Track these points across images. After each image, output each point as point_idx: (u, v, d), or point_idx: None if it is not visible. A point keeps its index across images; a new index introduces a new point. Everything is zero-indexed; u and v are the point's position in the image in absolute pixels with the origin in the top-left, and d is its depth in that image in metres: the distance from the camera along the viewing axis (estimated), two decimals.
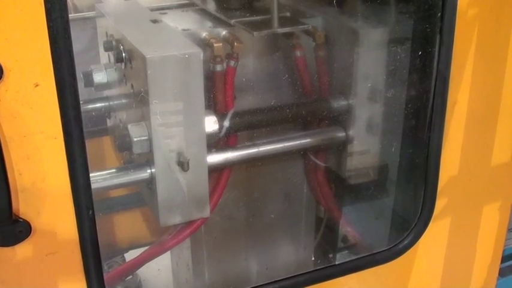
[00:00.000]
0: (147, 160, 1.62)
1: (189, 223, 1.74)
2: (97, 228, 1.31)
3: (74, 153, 1.22)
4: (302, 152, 1.99)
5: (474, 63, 1.63)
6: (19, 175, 1.20)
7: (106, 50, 1.80)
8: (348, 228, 2.18)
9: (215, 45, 1.67)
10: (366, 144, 1.91)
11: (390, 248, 1.79)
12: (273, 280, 1.68)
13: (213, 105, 1.73)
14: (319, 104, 1.90)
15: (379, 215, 2.03)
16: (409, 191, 1.86)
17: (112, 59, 1.79)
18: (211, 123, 1.69)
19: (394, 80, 1.80)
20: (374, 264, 1.78)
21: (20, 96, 1.14)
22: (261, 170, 1.99)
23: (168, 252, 2.17)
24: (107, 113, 2.01)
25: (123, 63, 1.68)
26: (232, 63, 1.70)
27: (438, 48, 1.56)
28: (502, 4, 1.61)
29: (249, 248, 2.12)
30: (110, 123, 2.09)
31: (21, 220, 1.23)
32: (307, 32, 1.83)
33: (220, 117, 1.72)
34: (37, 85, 1.15)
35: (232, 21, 1.77)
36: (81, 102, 1.20)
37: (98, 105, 1.99)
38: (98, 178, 1.61)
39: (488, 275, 2.04)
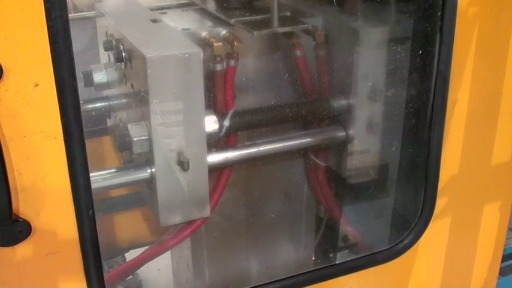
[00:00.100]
0: (147, 160, 1.61)
1: (189, 223, 1.74)
2: (97, 228, 1.31)
3: (74, 153, 1.22)
4: (302, 152, 1.99)
5: (474, 62, 1.63)
6: (19, 175, 1.20)
7: (106, 49, 1.80)
8: (348, 227, 2.18)
9: (215, 44, 1.67)
10: (366, 144, 1.91)
11: (390, 247, 1.79)
12: (273, 280, 1.68)
13: (213, 104, 1.73)
14: (319, 104, 1.90)
15: (380, 214, 2.03)
16: (410, 191, 1.86)
17: (112, 59, 1.78)
18: (211, 123, 1.69)
19: (394, 79, 1.80)
20: (374, 264, 1.78)
21: (19, 96, 1.14)
22: (261, 170, 1.99)
23: (169, 252, 2.17)
24: (106, 112, 2.01)
25: (123, 63, 1.68)
26: (232, 62, 1.70)
27: (438, 47, 1.56)
28: (502, 3, 1.61)
29: (249, 248, 2.12)
30: (110, 122, 2.09)
31: (21, 220, 1.23)
32: (307, 32, 1.83)
33: (220, 117, 1.72)
34: (37, 85, 1.14)
35: (232, 21, 1.77)
36: (81, 102, 1.20)
37: (98, 105, 1.99)
38: (98, 178, 1.61)
39: (489, 274, 2.04)
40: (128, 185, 1.78)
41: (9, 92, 1.13)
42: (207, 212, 1.71)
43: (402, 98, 1.78)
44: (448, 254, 1.91)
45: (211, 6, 1.94)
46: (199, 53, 1.51)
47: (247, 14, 1.82)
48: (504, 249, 2.06)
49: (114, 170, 1.69)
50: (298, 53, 1.83)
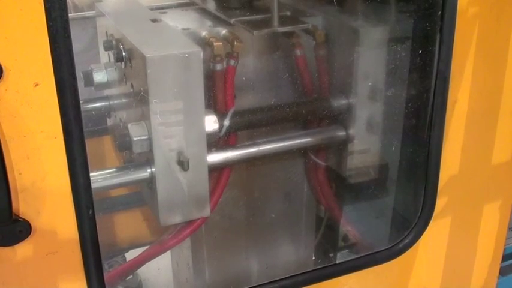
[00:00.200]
0: (147, 159, 1.61)
1: (190, 222, 1.74)
2: (97, 227, 1.31)
3: (74, 153, 1.22)
4: (302, 151, 1.98)
5: (474, 62, 1.63)
6: (19, 175, 1.20)
7: (106, 49, 1.80)
8: (348, 227, 2.18)
9: (215, 44, 1.67)
10: (366, 143, 1.91)
11: (391, 247, 1.79)
12: (273, 279, 1.68)
13: (213, 104, 1.73)
14: (319, 103, 1.90)
15: (380, 214, 2.02)
16: (410, 190, 1.86)
17: (112, 59, 1.78)
18: (211, 123, 1.69)
19: (394, 79, 1.80)
20: (374, 264, 1.78)
21: (19, 95, 1.14)
22: (261, 169, 1.99)
23: (169, 252, 2.17)
24: (107, 112, 2.01)
25: (123, 63, 1.67)
26: (232, 62, 1.70)
27: (438, 47, 1.56)
28: (502, 3, 1.60)
29: (250, 248, 2.12)
30: (110, 122, 2.09)
31: (21, 220, 1.23)
32: (307, 31, 1.83)
33: (221, 117, 1.72)
34: (37, 84, 1.14)
35: (232, 20, 1.77)
36: (81, 101, 1.20)
37: (98, 104, 1.99)
38: (98, 178, 1.61)
39: (489, 274, 2.04)
40: (127, 184, 1.78)
41: (9, 92, 1.13)
42: (207, 212, 1.71)
43: (402, 98, 1.78)
44: (448, 253, 1.91)
45: (211, 5, 1.94)
46: (199, 52, 1.51)
47: (247, 13, 1.82)
48: (504, 249, 2.06)
49: (114, 169, 1.69)
50: (298, 52, 1.83)
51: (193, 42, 1.62)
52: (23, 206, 1.23)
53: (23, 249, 1.27)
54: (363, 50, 1.78)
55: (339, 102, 1.86)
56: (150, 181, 1.63)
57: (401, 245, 1.78)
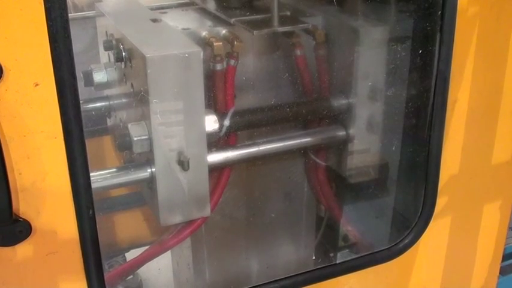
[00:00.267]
0: (148, 159, 1.61)
1: (190, 222, 1.74)
2: (97, 227, 1.31)
3: (74, 153, 1.22)
4: (302, 151, 1.99)
5: (474, 61, 1.63)
6: (19, 175, 1.20)
7: (106, 49, 1.80)
8: (348, 227, 2.18)
9: (215, 44, 1.67)
10: (366, 143, 1.91)
11: (391, 247, 1.79)
12: (274, 279, 1.68)
13: (213, 104, 1.73)
14: (319, 103, 1.90)
15: (380, 214, 2.02)
16: (410, 190, 1.86)
17: (112, 59, 1.78)
18: (211, 122, 1.69)
19: (394, 78, 1.80)
20: (374, 263, 1.78)
21: (19, 95, 1.14)
22: (261, 169, 1.99)
23: (169, 252, 2.17)
24: (107, 112, 2.01)
25: (123, 63, 1.68)
26: (232, 62, 1.70)
27: (438, 46, 1.56)
28: (503, 2, 1.60)
29: (250, 247, 2.12)
30: (110, 122, 2.09)
31: (22, 220, 1.23)
32: (307, 31, 1.83)
33: (221, 116, 1.72)
34: (37, 84, 1.14)
35: (232, 20, 1.77)
36: (81, 101, 1.20)
37: (98, 104, 1.99)
38: (98, 177, 1.61)
39: (489, 273, 2.04)
40: (128, 184, 1.78)
41: (9, 92, 1.13)
42: (207, 212, 1.71)
43: (402, 98, 1.78)
44: (448, 253, 1.91)
45: (211, 5, 1.94)
46: (199, 52, 1.51)
47: (247, 13, 1.82)
48: (504, 249, 2.06)
49: (114, 169, 1.69)
50: (298, 52, 1.83)
51: (193, 42, 1.62)
52: (23, 206, 1.23)
53: (23, 249, 1.27)
54: (363, 50, 1.78)
55: (339, 102, 1.86)
56: (150, 181, 1.62)
57: (401, 245, 1.78)
